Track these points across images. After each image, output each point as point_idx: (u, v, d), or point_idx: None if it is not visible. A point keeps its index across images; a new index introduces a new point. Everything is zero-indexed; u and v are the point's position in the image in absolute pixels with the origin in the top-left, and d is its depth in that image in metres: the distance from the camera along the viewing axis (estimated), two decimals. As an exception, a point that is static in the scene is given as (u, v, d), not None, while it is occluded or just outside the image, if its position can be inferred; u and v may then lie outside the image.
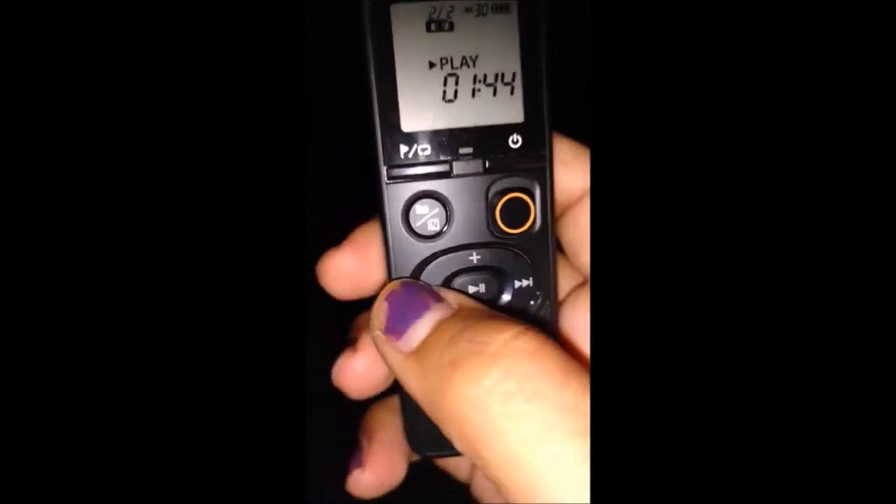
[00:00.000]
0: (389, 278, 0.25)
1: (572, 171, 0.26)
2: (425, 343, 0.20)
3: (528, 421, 0.17)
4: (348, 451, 0.27)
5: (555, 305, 0.26)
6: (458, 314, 0.21)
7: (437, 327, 0.20)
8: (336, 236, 0.27)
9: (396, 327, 0.21)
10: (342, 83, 0.24)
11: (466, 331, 0.19)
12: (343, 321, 0.28)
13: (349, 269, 0.25)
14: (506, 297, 0.25)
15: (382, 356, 0.22)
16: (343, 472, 0.27)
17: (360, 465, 0.26)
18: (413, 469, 0.27)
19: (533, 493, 0.17)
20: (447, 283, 0.25)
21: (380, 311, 0.22)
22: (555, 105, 0.25)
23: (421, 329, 0.20)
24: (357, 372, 0.26)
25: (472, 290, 0.25)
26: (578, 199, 0.26)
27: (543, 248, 0.25)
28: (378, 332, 0.21)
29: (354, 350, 0.26)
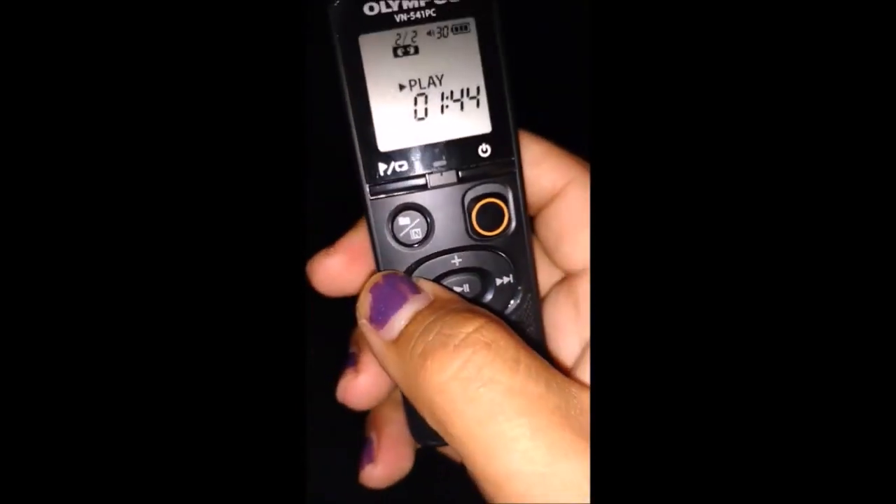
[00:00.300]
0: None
1: (543, 172, 0.28)
2: (403, 333, 0.22)
3: (482, 403, 0.19)
4: (349, 450, 0.29)
5: (536, 299, 0.28)
6: (432, 305, 0.23)
7: (414, 318, 0.23)
8: (336, 237, 0.29)
9: (379, 317, 0.23)
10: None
11: (436, 323, 0.22)
12: (343, 321, 0.29)
13: (339, 271, 0.27)
14: (489, 295, 0.27)
15: (368, 342, 0.24)
16: (342, 471, 0.28)
17: (371, 459, 0.28)
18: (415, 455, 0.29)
19: (488, 462, 0.19)
20: (434, 286, 0.27)
21: (364, 301, 0.24)
22: (522, 110, 0.27)
23: (400, 320, 0.23)
24: (360, 390, 0.28)
25: (457, 290, 0.27)
26: (550, 200, 0.28)
27: (520, 247, 0.27)
28: (363, 321, 0.24)
29: (357, 370, 0.28)
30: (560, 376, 0.21)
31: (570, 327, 0.28)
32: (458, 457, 0.32)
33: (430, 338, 0.21)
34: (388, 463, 0.29)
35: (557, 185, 0.28)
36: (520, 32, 0.27)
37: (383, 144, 0.26)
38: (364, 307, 0.24)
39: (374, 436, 0.29)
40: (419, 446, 0.30)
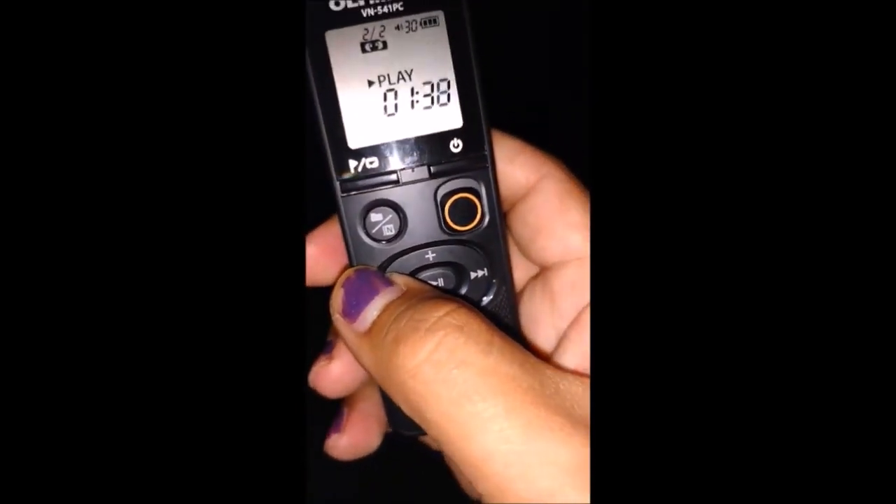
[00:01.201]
0: (353, 283, 0.27)
1: (516, 168, 0.28)
2: (375, 323, 0.23)
3: (456, 384, 0.20)
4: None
5: (511, 292, 0.28)
6: (404, 296, 0.23)
7: (385, 309, 0.23)
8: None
9: (352, 310, 0.24)
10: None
11: (408, 310, 0.22)
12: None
13: (309, 263, 0.28)
14: (464, 289, 0.27)
15: (341, 336, 0.24)
16: (342, 471, 0.29)
17: (338, 430, 0.29)
18: (390, 439, 0.30)
19: (465, 444, 0.19)
20: (408, 281, 0.27)
21: (337, 296, 0.24)
22: (493, 106, 0.27)
23: (372, 311, 0.23)
24: (333, 376, 0.28)
25: (432, 284, 0.27)
26: (524, 195, 0.28)
27: (494, 241, 0.27)
28: (337, 316, 0.24)
29: (330, 356, 0.28)
30: (534, 359, 0.21)
31: (547, 320, 0.28)
32: (436, 445, 0.33)
33: (402, 324, 0.21)
34: (354, 435, 0.29)
35: (531, 180, 0.28)
36: (489, 31, 0.27)
37: (353, 141, 0.26)
38: (337, 302, 0.24)
39: (345, 409, 0.30)
40: (389, 430, 0.30)
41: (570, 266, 0.27)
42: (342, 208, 0.26)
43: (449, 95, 0.26)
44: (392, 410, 0.28)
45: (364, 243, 0.26)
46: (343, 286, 0.25)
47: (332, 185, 0.26)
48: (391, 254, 0.27)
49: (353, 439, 0.29)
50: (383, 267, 0.27)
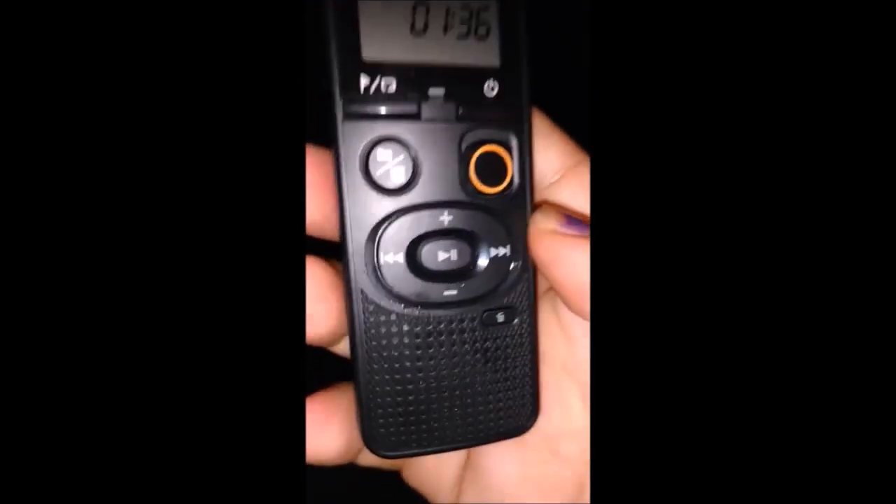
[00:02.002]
0: (343, 236, 0.20)
1: (549, 148, 0.23)
2: None
3: None
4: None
5: (532, 277, 0.22)
6: None
7: None
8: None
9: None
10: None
11: None
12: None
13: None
14: (480, 266, 0.21)
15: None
16: (342, 471, 0.23)
17: None
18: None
19: None
20: (413, 247, 0.20)
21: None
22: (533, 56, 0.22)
23: None
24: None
25: (442, 256, 0.21)
26: (550, 183, 0.23)
27: (521, 213, 0.22)
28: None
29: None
30: None
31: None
32: (414, 482, 0.25)
33: None
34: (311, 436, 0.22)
35: (563, 165, 0.23)
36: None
37: (369, 53, 0.20)
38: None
39: (308, 400, 0.22)
40: (355, 448, 0.22)
41: None
42: (341, 137, 0.20)
43: (489, 29, 0.21)
44: (369, 421, 0.20)
45: (363, 189, 0.20)
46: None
47: (333, 106, 0.20)
48: (396, 207, 0.20)
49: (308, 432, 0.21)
50: (384, 222, 0.20)
